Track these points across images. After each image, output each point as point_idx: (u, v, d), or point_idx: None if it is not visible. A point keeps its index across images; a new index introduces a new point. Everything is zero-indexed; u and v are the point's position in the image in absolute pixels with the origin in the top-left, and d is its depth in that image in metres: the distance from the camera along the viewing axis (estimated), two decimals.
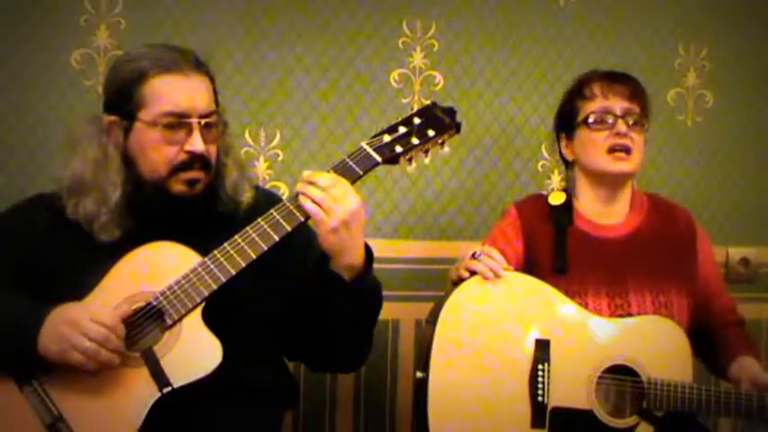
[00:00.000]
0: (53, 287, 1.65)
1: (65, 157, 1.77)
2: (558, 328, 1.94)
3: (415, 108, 1.85)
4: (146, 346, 1.61)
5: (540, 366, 1.90)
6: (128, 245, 1.69)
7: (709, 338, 2.15)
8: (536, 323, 1.93)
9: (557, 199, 2.15)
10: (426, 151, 1.80)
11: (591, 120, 2.09)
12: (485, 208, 2.61)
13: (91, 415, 1.57)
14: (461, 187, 2.60)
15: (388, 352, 2.52)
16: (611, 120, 2.07)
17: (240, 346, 1.65)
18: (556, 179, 2.66)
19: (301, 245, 1.81)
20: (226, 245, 1.67)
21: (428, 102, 1.84)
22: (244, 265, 1.66)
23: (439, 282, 2.35)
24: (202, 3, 2.40)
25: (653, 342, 1.96)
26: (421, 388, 1.88)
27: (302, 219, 1.69)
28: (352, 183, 1.71)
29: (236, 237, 1.67)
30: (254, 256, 1.66)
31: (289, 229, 1.68)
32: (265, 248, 1.67)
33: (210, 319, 1.64)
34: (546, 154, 2.65)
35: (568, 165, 2.20)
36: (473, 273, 1.94)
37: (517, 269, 2.04)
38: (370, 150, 1.74)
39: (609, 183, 2.11)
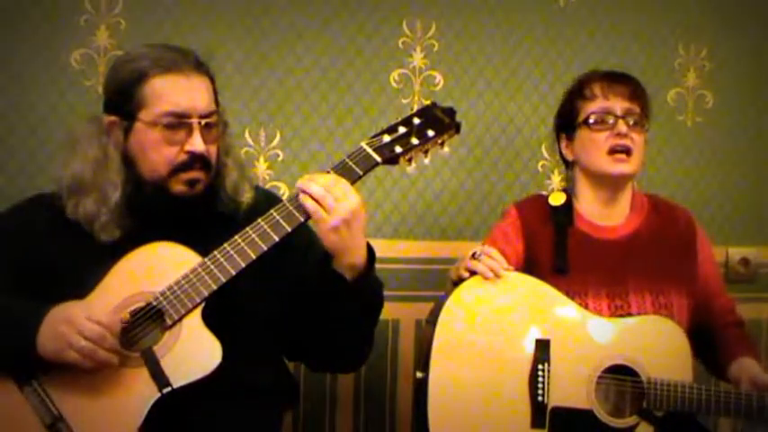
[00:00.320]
0: (53, 287, 1.65)
1: (65, 157, 1.78)
2: (558, 328, 1.94)
3: (415, 108, 1.85)
4: (145, 346, 1.61)
5: (540, 366, 1.90)
6: (128, 245, 1.69)
7: (709, 339, 2.15)
8: (536, 323, 1.93)
9: (557, 199, 2.15)
10: (426, 151, 1.80)
11: (591, 120, 2.09)
12: (485, 208, 2.61)
13: (91, 415, 1.57)
14: (461, 187, 2.60)
15: (388, 352, 2.52)
16: (611, 120, 2.07)
17: (240, 347, 1.65)
18: (556, 179, 2.66)
19: (302, 245, 1.81)
20: (226, 245, 1.67)
21: (428, 102, 1.84)
22: (244, 265, 1.66)
23: (439, 282, 2.35)
24: (202, 3, 2.40)
25: (653, 342, 1.96)
26: (421, 388, 1.88)
27: (302, 219, 1.69)
28: (352, 183, 1.71)
29: (236, 237, 1.67)
30: (254, 257, 1.66)
31: (289, 229, 1.68)
32: (265, 249, 1.67)
33: (210, 320, 1.64)
34: (546, 154, 2.65)
35: (569, 165, 2.20)
36: (473, 273, 1.94)
37: (517, 269, 2.04)
38: (369, 150, 1.74)
39: (609, 184, 2.11)
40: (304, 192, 1.68)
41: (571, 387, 1.91)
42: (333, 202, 1.66)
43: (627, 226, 2.13)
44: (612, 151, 2.06)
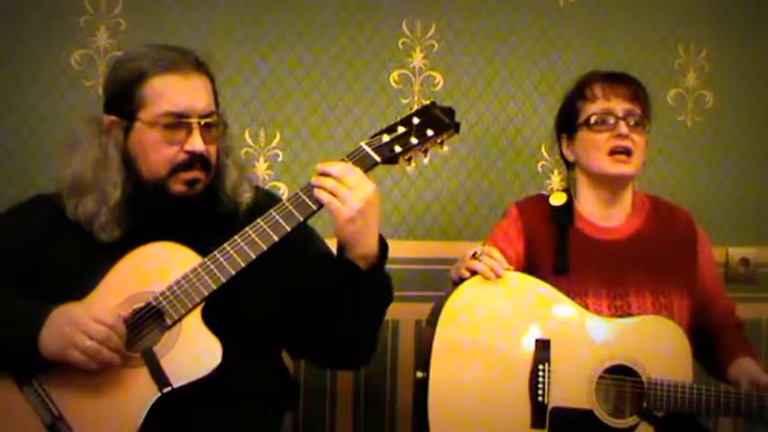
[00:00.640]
0: (53, 287, 1.65)
1: (65, 157, 1.78)
2: (558, 329, 1.94)
3: (415, 108, 1.85)
4: (145, 346, 1.61)
5: (540, 366, 1.90)
6: (128, 245, 1.69)
7: (708, 340, 2.15)
8: (536, 323, 1.93)
9: (558, 199, 2.15)
10: (425, 151, 1.80)
11: (592, 121, 2.09)
12: (484, 208, 2.61)
13: (91, 415, 1.57)
14: (461, 187, 2.60)
15: (388, 352, 2.52)
16: (612, 121, 2.07)
17: (240, 346, 1.65)
18: (555, 179, 2.66)
19: (301, 242, 1.81)
20: (225, 245, 1.67)
21: (427, 102, 1.84)
22: (243, 265, 1.66)
23: (439, 282, 2.35)
24: (202, 3, 2.40)
25: (653, 342, 1.96)
26: (421, 388, 1.88)
27: (301, 219, 1.69)
28: None
29: (236, 237, 1.67)
30: (254, 257, 1.66)
31: (288, 229, 1.68)
32: (265, 248, 1.67)
33: (210, 320, 1.64)
34: (545, 154, 2.65)
35: (569, 165, 2.20)
36: (474, 272, 1.94)
37: (518, 269, 2.04)
38: (369, 150, 1.74)
39: (610, 184, 2.11)
40: (318, 185, 1.68)
41: (571, 387, 1.91)
42: (347, 193, 1.66)
43: (627, 226, 2.13)
44: (613, 152, 2.06)
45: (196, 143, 1.71)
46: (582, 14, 2.67)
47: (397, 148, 1.75)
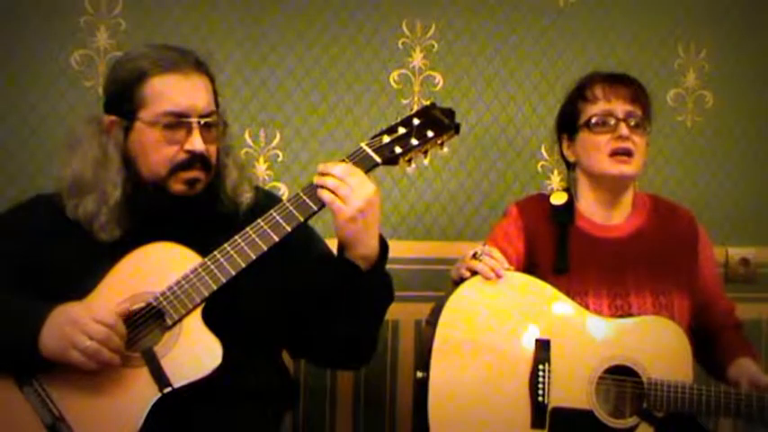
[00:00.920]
0: (54, 287, 1.65)
1: (65, 156, 1.78)
2: (558, 329, 1.94)
3: (415, 109, 1.85)
4: (146, 346, 1.61)
5: (540, 366, 1.90)
6: (128, 245, 1.69)
7: (708, 341, 2.15)
8: (537, 323, 1.93)
9: (558, 199, 2.15)
10: (425, 152, 1.81)
11: (592, 122, 2.09)
12: (484, 208, 2.61)
13: (91, 415, 1.57)
14: (461, 188, 2.60)
15: (388, 352, 2.52)
16: (612, 122, 2.07)
17: (240, 347, 1.65)
18: (555, 179, 2.66)
19: (301, 242, 1.81)
20: (226, 245, 1.67)
21: (428, 102, 1.84)
22: (244, 265, 1.66)
23: (439, 282, 2.35)
24: (202, 3, 2.40)
25: (653, 343, 1.96)
26: (421, 388, 1.88)
27: (302, 219, 1.69)
28: None
29: (236, 237, 1.67)
30: (254, 257, 1.66)
31: (288, 229, 1.69)
32: (265, 249, 1.67)
33: (211, 320, 1.64)
34: (545, 154, 2.65)
35: (569, 166, 2.20)
36: (474, 272, 1.94)
37: (518, 268, 2.04)
38: (369, 151, 1.74)
39: (610, 185, 2.11)
40: (320, 185, 1.68)
41: (571, 387, 1.91)
42: (348, 192, 1.66)
43: (628, 225, 2.13)
44: (613, 154, 2.06)
45: (196, 143, 1.72)
46: (582, 15, 2.67)
47: (398, 149, 1.75)
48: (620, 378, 1.94)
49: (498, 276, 1.93)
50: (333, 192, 1.67)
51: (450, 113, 1.82)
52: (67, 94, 2.32)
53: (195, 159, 1.73)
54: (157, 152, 1.72)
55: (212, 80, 1.79)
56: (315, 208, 1.70)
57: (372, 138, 1.76)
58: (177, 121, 1.71)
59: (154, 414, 1.56)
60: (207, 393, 1.60)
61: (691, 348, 1.98)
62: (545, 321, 1.94)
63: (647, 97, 2.14)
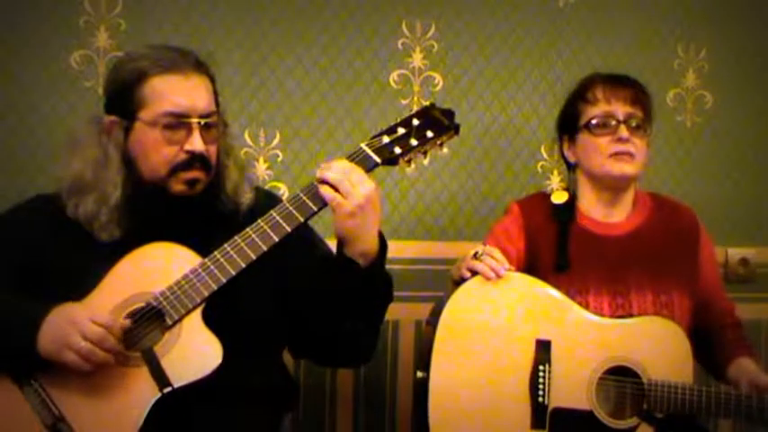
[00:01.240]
0: (54, 287, 1.65)
1: (65, 157, 1.78)
2: (559, 329, 1.93)
3: (415, 109, 1.85)
4: (146, 346, 1.61)
5: (540, 367, 1.90)
6: (128, 245, 1.69)
7: (707, 340, 2.14)
8: (537, 324, 1.93)
9: (559, 198, 2.15)
10: (425, 152, 1.81)
11: (593, 124, 2.08)
12: (484, 209, 2.61)
13: (91, 415, 1.57)
14: (461, 188, 2.60)
15: (388, 352, 2.52)
16: (612, 124, 2.07)
17: (240, 347, 1.64)
18: (555, 180, 2.66)
19: (302, 243, 1.81)
20: (226, 245, 1.67)
21: (427, 103, 1.84)
22: (244, 265, 1.66)
23: (439, 282, 2.35)
24: (202, 4, 2.40)
25: (654, 343, 1.96)
26: (421, 388, 1.88)
27: (302, 220, 1.69)
28: None
29: (236, 237, 1.67)
30: (254, 257, 1.66)
31: (288, 229, 1.69)
32: (265, 249, 1.67)
33: (211, 320, 1.64)
34: (545, 155, 2.65)
35: (570, 167, 2.20)
36: (474, 272, 1.94)
37: (519, 267, 2.04)
38: (369, 151, 1.74)
39: (611, 185, 2.11)
40: (321, 178, 1.68)
41: (572, 388, 1.91)
42: (349, 188, 1.67)
43: (629, 223, 2.13)
44: (614, 155, 2.06)
45: (196, 143, 1.72)
46: (581, 15, 2.67)
47: (397, 150, 1.76)
48: (620, 379, 1.94)
49: (499, 276, 1.93)
50: (334, 187, 1.68)
51: (449, 114, 1.82)
52: (67, 95, 2.32)
53: (195, 159, 1.73)
54: (157, 152, 1.72)
55: (212, 80, 1.80)
56: (315, 208, 1.70)
57: (372, 138, 1.76)
58: (177, 122, 1.71)
59: (154, 414, 1.56)
60: (207, 393, 1.60)
61: (691, 349, 1.98)
62: (545, 322, 1.94)
63: (649, 98, 2.14)
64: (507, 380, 1.89)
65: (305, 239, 1.85)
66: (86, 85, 2.33)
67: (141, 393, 1.57)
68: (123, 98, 1.73)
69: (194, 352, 1.61)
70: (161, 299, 1.63)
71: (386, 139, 1.76)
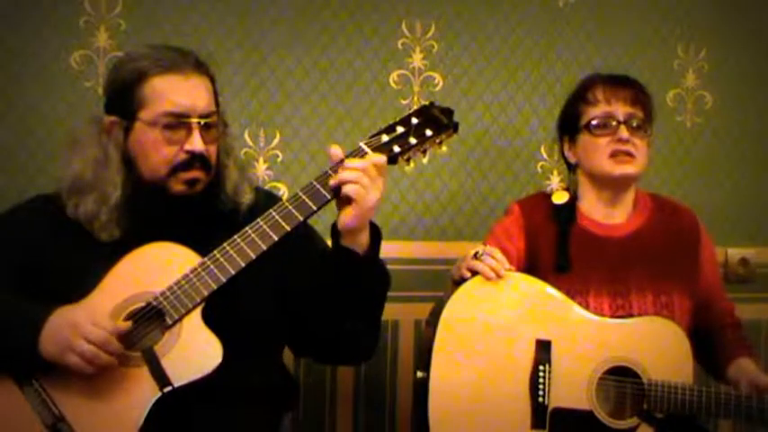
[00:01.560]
0: (53, 287, 1.65)
1: (65, 157, 1.78)
2: (559, 329, 1.93)
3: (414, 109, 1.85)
4: (146, 345, 1.61)
5: (540, 367, 1.90)
6: (128, 245, 1.69)
7: (707, 340, 2.14)
8: (537, 324, 1.93)
9: (560, 198, 2.15)
10: (425, 151, 1.81)
11: (593, 124, 2.08)
12: (484, 209, 2.61)
13: (92, 415, 1.57)
14: (460, 188, 2.60)
15: (388, 352, 2.52)
16: (613, 124, 2.07)
17: (240, 346, 1.64)
18: (555, 180, 2.66)
19: (301, 243, 1.81)
20: (225, 245, 1.67)
21: (427, 103, 1.84)
22: (243, 265, 1.66)
23: (438, 282, 2.35)
24: (202, 4, 2.40)
25: (654, 343, 1.96)
26: (421, 388, 1.88)
27: (301, 219, 1.69)
28: None
29: (236, 237, 1.67)
30: (254, 257, 1.66)
31: (288, 228, 1.69)
32: (265, 248, 1.67)
33: (211, 319, 1.64)
34: (545, 155, 2.65)
35: (571, 167, 2.20)
36: (475, 272, 1.94)
37: (519, 267, 2.04)
38: (368, 150, 1.74)
39: (612, 186, 2.11)
40: (345, 180, 1.69)
41: (572, 388, 1.91)
42: (370, 183, 1.69)
43: (630, 224, 2.13)
44: (614, 155, 2.06)
45: (196, 143, 1.72)
46: (581, 15, 2.67)
47: (396, 148, 1.76)
48: (620, 379, 1.94)
49: (499, 277, 1.93)
50: (356, 182, 1.68)
51: (448, 112, 1.82)
52: (67, 95, 2.32)
53: (195, 159, 1.73)
54: (157, 152, 1.72)
55: (212, 80, 1.80)
56: (314, 207, 1.70)
57: (371, 137, 1.76)
58: (177, 122, 1.71)
59: (154, 413, 1.56)
60: (207, 393, 1.60)
61: (691, 349, 1.98)
62: (546, 322, 1.94)
63: (649, 99, 2.13)
64: (507, 380, 1.89)
65: (304, 236, 1.85)
66: (86, 85, 2.33)
67: (141, 393, 1.57)
68: (123, 98, 1.73)
69: (194, 351, 1.61)
70: (161, 298, 1.63)
71: (385, 138, 1.76)
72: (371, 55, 2.53)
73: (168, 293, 1.63)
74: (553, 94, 2.61)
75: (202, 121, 1.73)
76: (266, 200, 1.85)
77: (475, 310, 1.92)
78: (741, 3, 2.78)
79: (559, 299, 1.97)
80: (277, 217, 1.69)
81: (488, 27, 2.61)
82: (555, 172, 2.66)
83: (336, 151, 1.73)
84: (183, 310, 1.63)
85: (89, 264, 1.67)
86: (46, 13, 2.30)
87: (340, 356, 1.97)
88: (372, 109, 2.52)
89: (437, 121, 1.80)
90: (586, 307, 1.99)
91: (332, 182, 1.70)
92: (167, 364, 1.58)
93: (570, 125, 2.16)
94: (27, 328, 1.57)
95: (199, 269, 1.65)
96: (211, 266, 1.65)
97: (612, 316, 2.01)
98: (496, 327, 1.92)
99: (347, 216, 1.70)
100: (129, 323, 1.61)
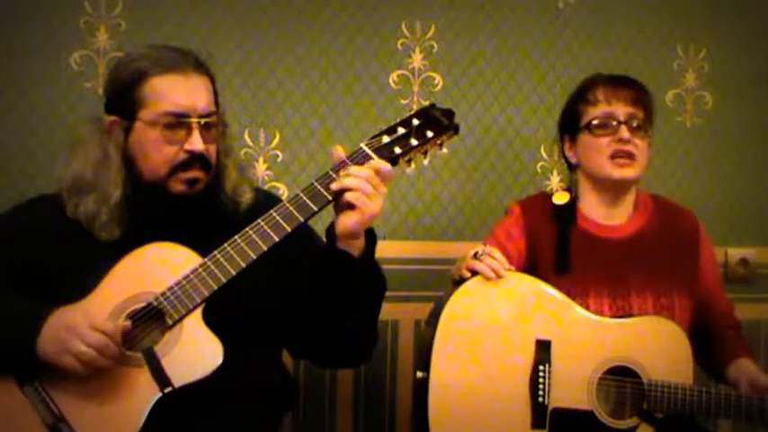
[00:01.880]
0: (53, 287, 1.65)
1: (66, 157, 1.78)
2: (559, 329, 1.94)
3: (414, 110, 1.85)
4: (146, 346, 1.61)
5: (540, 367, 1.90)
6: (128, 245, 1.69)
7: (707, 341, 2.14)
8: (537, 324, 1.93)
9: (560, 198, 2.15)
10: (425, 152, 1.80)
11: (594, 124, 2.08)
12: (484, 209, 2.61)
13: (92, 415, 1.57)
14: (460, 188, 2.60)
15: (388, 352, 2.52)
16: (613, 124, 2.07)
17: (241, 347, 1.64)
18: (554, 180, 2.66)
19: (301, 244, 1.81)
20: (226, 245, 1.67)
21: (427, 103, 1.84)
22: (244, 265, 1.65)
23: (438, 282, 2.35)
24: (202, 4, 2.40)
25: (654, 343, 1.96)
26: (421, 388, 1.88)
27: (302, 220, 1.69)
28: None
29: (236, 237, 1.67)
30: (254, 257, 1.66)
31: (289, 229, 1.68)
32: (265, 249, 1.67)
33: (211, 320, 1.64)
34: (545, 155, 2.65)
35: (571, 167, 2.20)
36: (475, 272, 1.94)
37: (519, 267, 2.04)
38: (369, 151, 1.74)
39: (612, 187, 2.11)
40: (347, 186, 1.68)
41: (572, 388, 1.91)
42: (373, 191, 1.68)
43: (630, 225, 2.13)
44: (614, 156, 2.06)
45: (196, 143, 1.72)
46: (581, 15, 2.67)
47: (397, 150, 1.75)
48: (620, 379, 1.94)
49: (499, 276, 1.93)
50: (360, 190, 1.67)
51: (449, 114, 1.82)
52: (67, 95, 2.32)
53: (195, 159, 1.73)
54: (157, 152, 1.72)
55: (212, 80, 1.80)
56: (315, 208, 1.70)
57: (372, 138, 1.76)
58: (177, 121, 1.71)
59: (154, 414, 1.56)
60: (207, 393, 1.60)
61: (691, 349, 1.98)
62: (546, 322, 1.94)
63: (650, 99, 2.13)
64: (507, 380, 1.89)
65: (305, 239, 1.85)
66: (86, 85, 2.33)
67: (142, 393, 1.57)
68: (123, 98, 1.74)
69: (195, 352, 1.61)
70: (161, 299, 1.63)
71: (386, 139, 1.76)
72: (371, 55, 2.53)
73: (168, 294, 1.63)
74: (553, 94, 2.61)
75: (202, 121, 1.73)
76: (266, 200, 1.85)
77: (475, 310, 1.92)
78: (741, 3, 2.78)
79: (559, 299, 1.97)
80: (278, 218, 1.69)
81: (488, 27, 2.61)
82: (555, 172, 2.66)
83: (338, 152, 1.73)
84: (183, 310, 1.62)
85: (89, 264, 1.67)
86: (46, 13, 2.30)
87: (338, 359, 1.96)
88: (372, 109, 2.52)
89: (438, 122, 1.80)
90: (586, 308, 1.99)
91: (334, 186, 1.69)
92: (168, 364, 1.58)
93: (571, 125, 2.16)
94: (26, 329, 1.57)
95: (199, 269, 1.65)
96: (212, 267, 1.65)
97: (613, 316, 2.01)
98: (496, 327, 1.92)
99: (347, 222, 1.69)
100: (129, 322, 1.61)
